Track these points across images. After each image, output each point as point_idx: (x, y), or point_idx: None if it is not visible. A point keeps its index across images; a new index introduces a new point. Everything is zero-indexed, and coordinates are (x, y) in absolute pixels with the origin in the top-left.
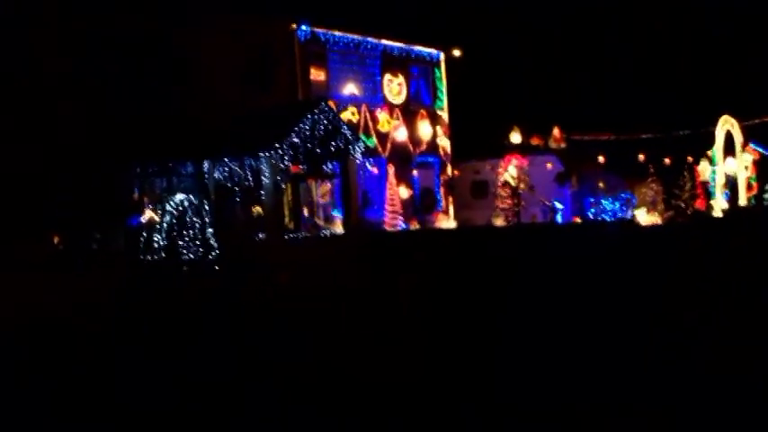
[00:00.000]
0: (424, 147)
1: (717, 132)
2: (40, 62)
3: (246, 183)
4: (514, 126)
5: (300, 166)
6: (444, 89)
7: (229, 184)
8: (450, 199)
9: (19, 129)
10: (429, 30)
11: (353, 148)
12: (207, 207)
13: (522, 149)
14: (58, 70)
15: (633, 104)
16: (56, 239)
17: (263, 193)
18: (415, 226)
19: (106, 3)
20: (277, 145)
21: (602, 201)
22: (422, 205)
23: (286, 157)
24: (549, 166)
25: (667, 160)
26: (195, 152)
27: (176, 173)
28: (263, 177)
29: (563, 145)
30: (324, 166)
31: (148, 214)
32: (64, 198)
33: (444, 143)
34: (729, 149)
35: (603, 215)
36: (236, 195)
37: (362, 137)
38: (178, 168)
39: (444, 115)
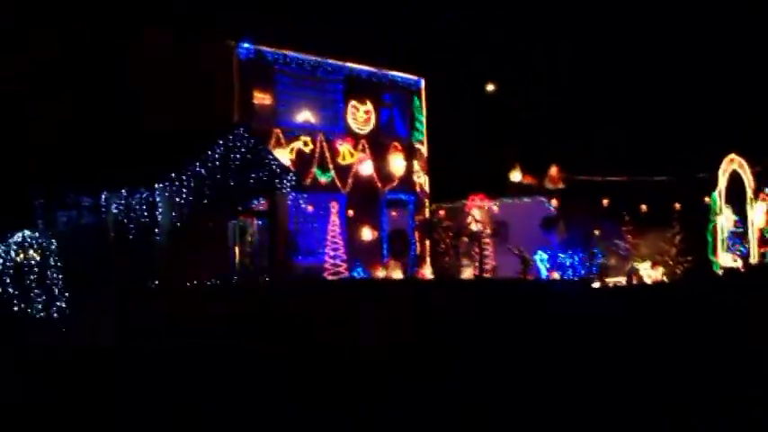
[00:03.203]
0: (395, 183)
1: (720, 174)
2: None
3: (143, 219)
4: (516, 163)
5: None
6: (424, 120)
7: (125, 220)
8: (428, 243)
9: None
10: (407, 54)
11: (281, 182)
12: (53, 248)
13: (506, 189)
14: None
15: (642, 144)
16: None
17: (157, 231)
18: (380, 274)
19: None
20: (173, 175)
21: (559, 254)
22: (390, 250)
23: (185, 190)
24: (495, 208)
25: (644, 207)
26: (92, 182)
27: (77, 205)
28: (157, 213)
29: (560, 186)
30: (254, 202)
31: (31, 252)
32: None
33: (422, 179)
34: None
35: (561, 271)
36: (129, 234)
37: (317, 170)
38: (78, 200)
39: (423, 149)
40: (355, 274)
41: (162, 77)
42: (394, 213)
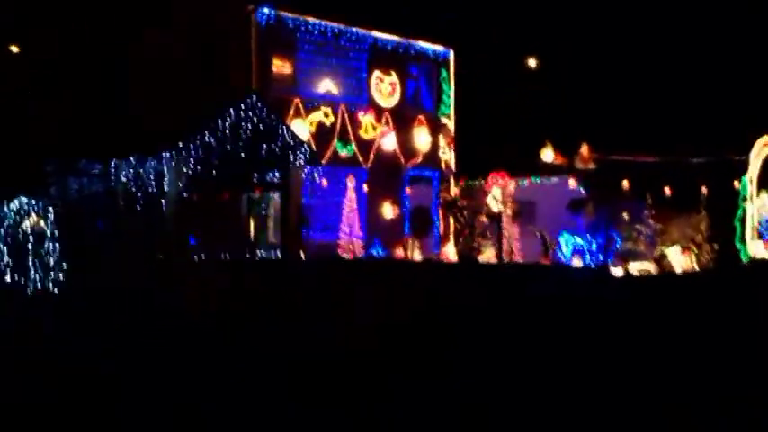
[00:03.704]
0: (419, 159)
1: (752, 157)
2: None
3: (151, 189)
4: (547, 141)
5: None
6: (452, 93)
7: (134, 190)
8: (452, 222)
9: None
10: (435, 24)
11: (295, 155)
12: (52, 216)
13: (536, 168)
14: None
15: (675, 123)
16: None
17: (164, 202)
18: (400, 253)
19: None
20: (181, 144)
21: (575, 238)
22: (411, 228)
23: (192, 160)
24: (512, 188)
25: (668, 190)
26: (102, 150)
27: (87, 173)
28: (165, 183)
29: (591, 166)
30: (269, 175)
31: (33, 219)
32: None
33: (447, 156)
34: None
35: (580, 255)
36: (138, 203)
37: (338, 142)
38: (88, 168)
39: (450, 123)
40: (374, 252)
41: (175, 44)
42: (409, 190)
